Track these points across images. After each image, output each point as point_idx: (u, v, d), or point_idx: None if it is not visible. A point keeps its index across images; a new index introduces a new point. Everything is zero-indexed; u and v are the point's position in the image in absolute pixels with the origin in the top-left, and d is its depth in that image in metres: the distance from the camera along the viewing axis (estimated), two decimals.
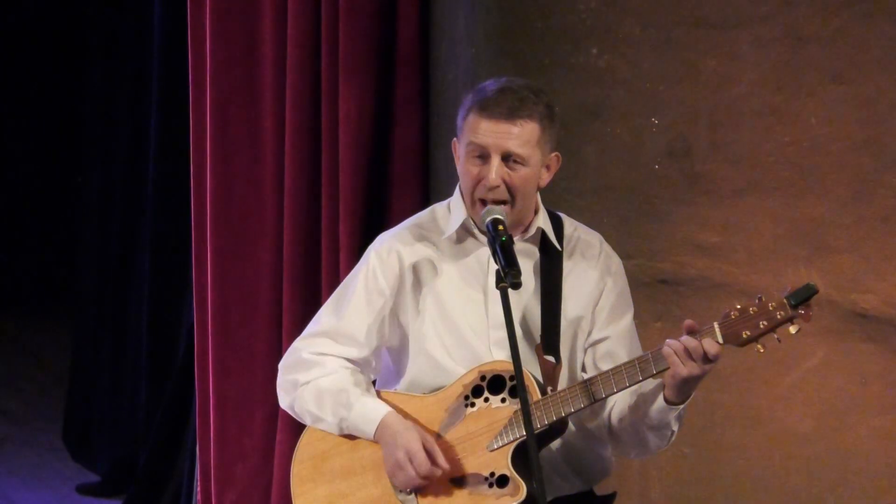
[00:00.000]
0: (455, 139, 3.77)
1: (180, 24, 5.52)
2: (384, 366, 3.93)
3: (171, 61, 6.24)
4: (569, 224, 3.87)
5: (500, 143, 3.65)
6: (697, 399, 3.69)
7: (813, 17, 4.37)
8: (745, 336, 3.54)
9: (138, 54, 6.73)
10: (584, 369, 3.82)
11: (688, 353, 3.53)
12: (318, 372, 3.82)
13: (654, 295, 4.68)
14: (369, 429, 3.74)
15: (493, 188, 3.66)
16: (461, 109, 3.74)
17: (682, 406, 3.62)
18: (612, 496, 3.93)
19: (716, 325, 3.55)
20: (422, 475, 3.65)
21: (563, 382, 3.77)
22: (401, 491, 3.72)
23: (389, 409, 3.75)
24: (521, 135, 3.65)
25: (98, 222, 7.21)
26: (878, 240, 4.32)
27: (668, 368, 3.56)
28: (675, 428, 3.69)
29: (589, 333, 3.82)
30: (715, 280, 4.61)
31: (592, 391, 3.62)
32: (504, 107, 3.65)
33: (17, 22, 9.50)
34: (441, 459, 3.65)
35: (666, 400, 3.61)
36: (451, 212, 3.84)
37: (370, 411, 3.75)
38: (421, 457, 3.64)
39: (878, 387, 4.35)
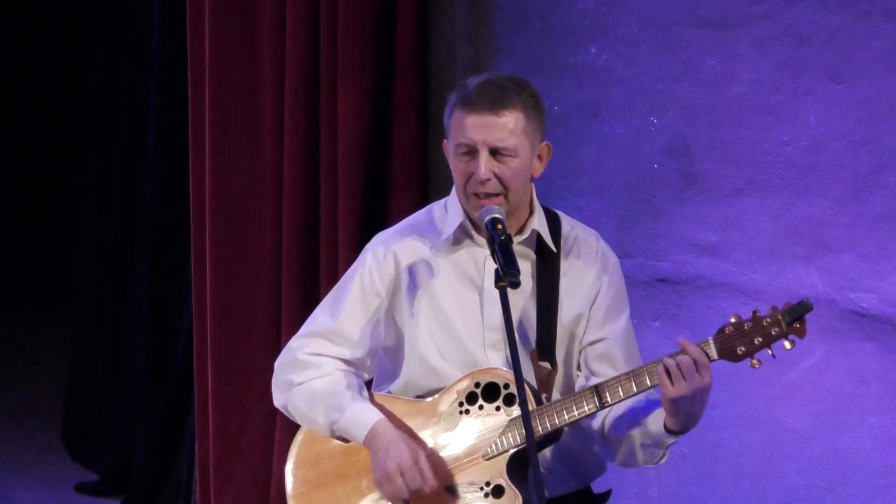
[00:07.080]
0: (445, 140, 3.77)
1: (179, 21, 5.52)
2: (380, 365, 3.92)
3: (169, 59, 6.24)
4: (566, 223, 3.84)
5: (486, 138, 3.62)
6: None
7: (812, 16, 4.37)
8: (739, 352, 3.54)
9: (137, 52, 6.73)
10: (578, 368, 3.80)
11: (679, 369, 3.51)
12: (313, 373, 3.81)
13: (653, 294, 4.68)
14: (359, 434, 3.72)
15: (483, 182, 3.64)
16: (446, 109, 3.72)
17: (677, 437, 3.60)
18: (608, 494, 3.92)
19: (711, 340, 3.55)
20: (412, 490, 3.63)
21: (558, 387, 3.76)
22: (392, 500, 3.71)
23: (381, 416, 3.72)
24: (506, 125, 3.62)
25: (97, 222, 7.21)
26: (877, 239, 4.31)
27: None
28: (667, 452, 3.67)
29: (584, 334, 3.80)
30: (714, 279, 4.61)
31: (593, 400, 3.60)
32: (486, 99, 3.62)
33: (17, 18, 9.49)
34: (431, 476, 3.63)
35: (666, 427, 3.59)
36: (447, 211, 3.81)
37: (361, 416, 3.73)
38: (413, 473, 3.62)
39: (876, 386, 4.35)
